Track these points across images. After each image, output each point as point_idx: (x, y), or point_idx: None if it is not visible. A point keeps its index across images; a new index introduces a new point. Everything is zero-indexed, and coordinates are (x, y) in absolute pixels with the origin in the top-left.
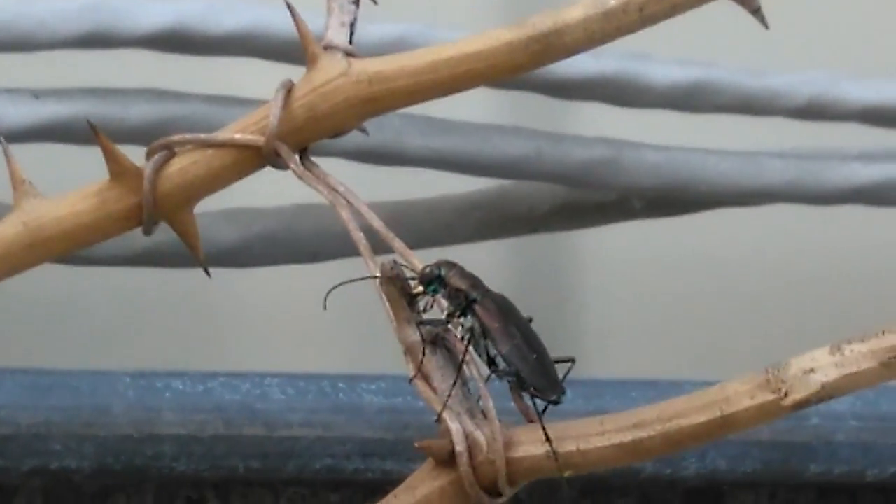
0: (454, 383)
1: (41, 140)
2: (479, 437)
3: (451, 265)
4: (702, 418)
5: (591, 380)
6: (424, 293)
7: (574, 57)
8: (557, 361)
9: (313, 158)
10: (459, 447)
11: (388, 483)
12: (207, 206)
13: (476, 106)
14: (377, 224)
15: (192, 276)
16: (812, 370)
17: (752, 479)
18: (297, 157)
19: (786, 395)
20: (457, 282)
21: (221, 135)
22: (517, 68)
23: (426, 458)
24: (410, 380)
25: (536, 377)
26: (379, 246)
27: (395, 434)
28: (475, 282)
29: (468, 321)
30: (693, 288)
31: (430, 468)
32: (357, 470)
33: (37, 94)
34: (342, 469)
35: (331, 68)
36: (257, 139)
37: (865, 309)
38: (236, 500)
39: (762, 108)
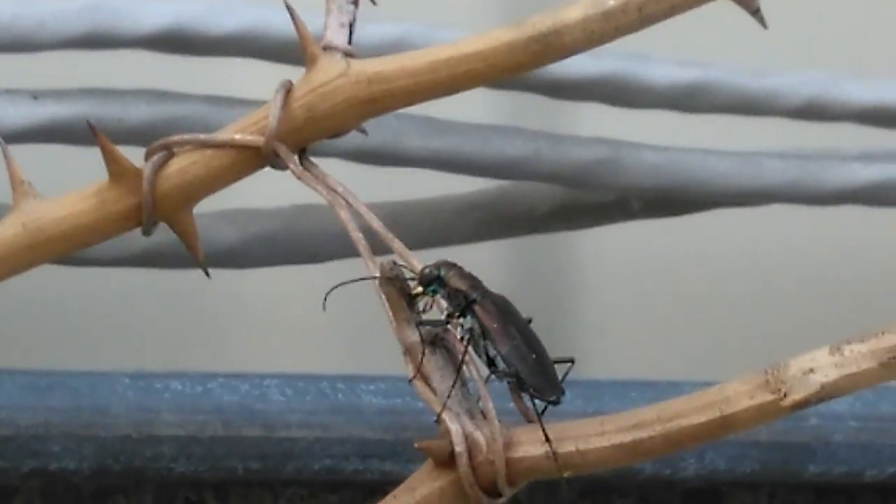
0: (453, 384)
1: (40, 141)
2: (479, 437)
3: (451, 265)
4: (701, 419)
5: (590, 380)
6: (424, 293)
7: (573, 57)
8: (557, 362)
9: (312, 159)
10: (459, 448)
11: (388, 484)
12: (207, 206)
13: (475, 106)
14: (376, 224)
15: (192, 277)
16: (811, 370)
17: (750, 480)
18: (296, 157)
19: (785, 395)
20: (456, 282)
21: (221, 135)
22: (517, 68)
23: (425, 459)
24: (410, 380)
25: (536, 378)
26: (378, 246)
27: (395, 435)
28: (475, 282)
29: (468, 322)
30: (692, 288)
31: (429, 469)
32: (356, 471)
33: (36, 95)
34: (341, 470)
35: (330, 69)
36: (256, 140)
37: (865, 309)
38: (235, 500)
39: (761, 108)
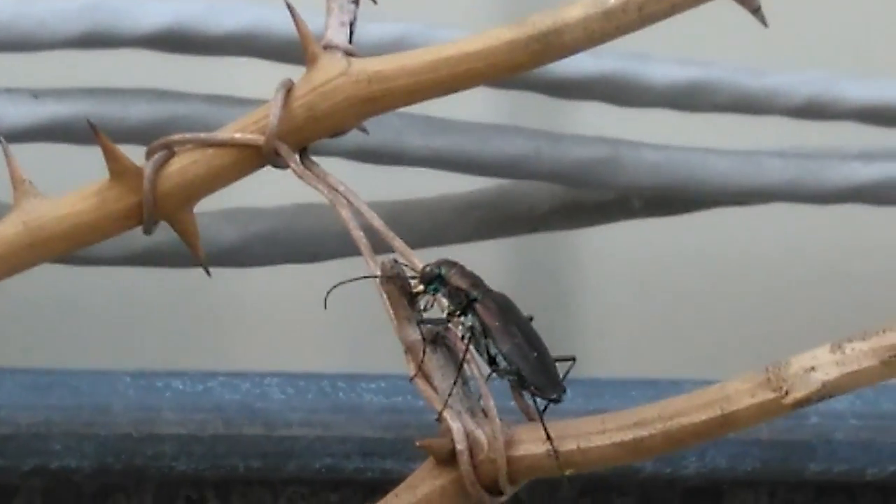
0: (455, 382)
1: (41, 140)
2: (480, 435)
3: (452, 264)
4: (703, 417)
5: (590, 379)
6: (425, 292)
7: (573, 56)
8: (558, 360)
9: (313, 158)
10: (460, 446)
11: (388, 482)
12: (207, 205)
13: (475, 105)
14: (377, 223)
15: (192, 276)
16: (813, 368)
17: (751, 478)
18: (296, 156)
19: (786, 393)
20: (457, 281)
21: (221, 134)
22: (517, 67)
23: (426, 458)
24: (411, 379)
25: (537, 376)
26: (379, 245)
27: (395, 433)
28: (476, 281)
29: (469, 320)
30: (692, 287)
31: (430, 467)
32: (357, 469)
33: (36, 94)
34: (342, 468)
35: (331, 68)
36: (257, 138)
37: (866, 307)
38: (236, 499)
39: (761, 107)
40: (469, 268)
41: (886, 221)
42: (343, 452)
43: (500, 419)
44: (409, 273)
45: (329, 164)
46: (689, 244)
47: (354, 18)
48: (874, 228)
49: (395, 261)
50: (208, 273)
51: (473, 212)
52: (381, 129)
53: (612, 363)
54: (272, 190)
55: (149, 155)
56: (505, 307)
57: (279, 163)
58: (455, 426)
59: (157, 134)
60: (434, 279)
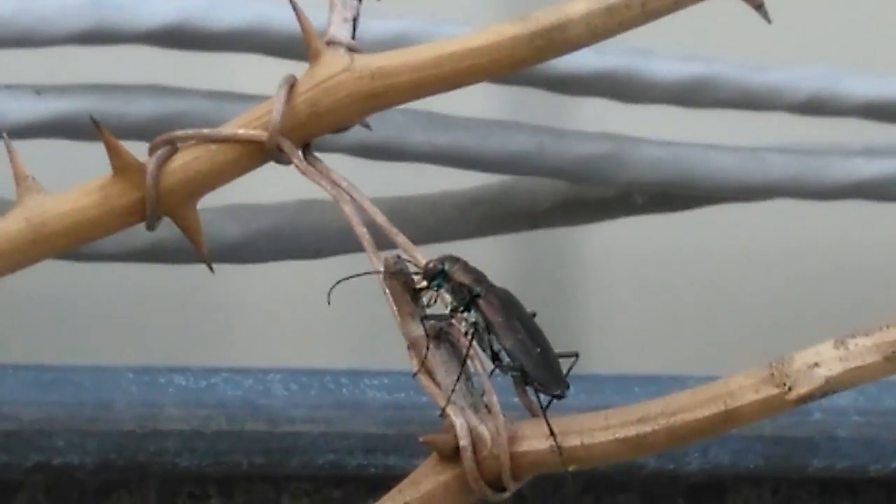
0: (458, 378)
1: (43, 136)
2: (484, 431)
3: (455, 260)
4: (706, 413)
5: (593, 375)
6: (428, 288)
7: (576, 52)
8: (561, 356)
9: (316, 154)
10: (463, 442)
11: (392, 479)
12: (210, 201)
13: (478, 101)
14: (380, 219)
15: (195, 272)
16: (816, 364)
17: (754, 475)
18: (299, 152)
19: (790, 389)
20: (460, 276)
21: (224, 130)
22: (520, 63)
23: (430, 454)
24: (414, 375)
25: (540, 372)
26: (382, 241)
27: (399, 429)
28: (479, 276)
29: (472, 316)
30: (695, 283)
31: (433, 463)
32: (360, 465)
33: (39, 90)
34: (345, 465)
35: (333, 64)
36: (260, 134)
37: (869, 303)
38: (239, 495)
39: (764, 103)
40: (472, 264)
41: (889, 217)
42: (346, 449)
43: (504, 415)
44: (412, 269)
45: (332, 161)
46: (691, 240)
47: (357, 14)
48: (877, 224)
49: (399, 257)
50: (211, 269)
51: (476, 208)
52: (383, 126)
53: (614, 359)
54: (275, 186)
55: (152, 151)
56: (508, 303)
57: (282, 159)
58: (458, 422)
59: (159, 130)
60: (437, 275)
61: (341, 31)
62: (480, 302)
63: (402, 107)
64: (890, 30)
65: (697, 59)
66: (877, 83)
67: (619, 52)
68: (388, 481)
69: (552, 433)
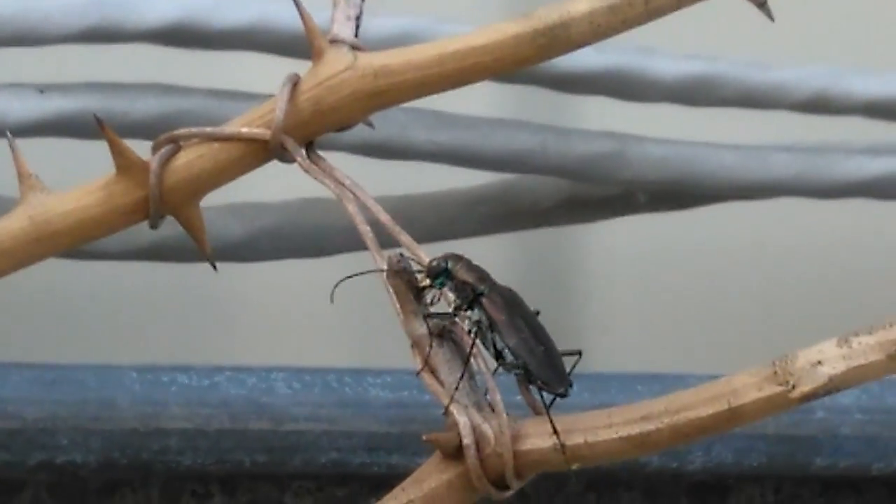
0: (461, 376)
1: (47, 135)
2: (487, 430)
3: (458, 258)
4: (709, 411)
5: (596, 373)
6: (431, 286)
7: (579, 51)
8: (564, 354)
9: (319, 152)
10: (467, 440)
11: (395, 477)
12: (213, 200)
13: (481, 100)
14: (384, 218)
15: (199, 271)
16: (820, 362)
17: (757, 473)
18: (303, 150)
19: (793, 387)
20: (464, 275)
21: (227, 128)
22: (523, 61)
23: (433, 452)
24: (417, 373)
25: (544, 370)
26: (385, 240)
27: (402, 428)
28: (482, 275)
29: (475, 314)
30: (698, 281)
31: (437, 461)
32: (363, 464)
33: (42, 89)
34: (348, 463)
35: (337, 62)
36: (263, 133)
37: (873, 301)
38: (242, 494)
39: (767, 101)
40: (475, 262)
41: (893, 216)
42: (349, 447)
43: (507, 413)
44: (416, 267)
45: (335, 159)
46: (694, 239)
47: (361, 12)
48: (880, 223)
49: (402, 255)
50: (215, 268)
51: (479, 206)
52: (386, 124)
53: (617, 357)
54: (278, 184)
55: (155, 149)
56: (511, 301)
57: (285, 157)
58: (461, 420)
59: (163, 128)
60: (440, 273)
61: (344, 30)
62: (484, 300)
63: (405, 105)
64: (893, 28)
65: (700, 58)
66: (880, 82)
67: (621, 50)
68: (391, 480)
69: (555, 431)
